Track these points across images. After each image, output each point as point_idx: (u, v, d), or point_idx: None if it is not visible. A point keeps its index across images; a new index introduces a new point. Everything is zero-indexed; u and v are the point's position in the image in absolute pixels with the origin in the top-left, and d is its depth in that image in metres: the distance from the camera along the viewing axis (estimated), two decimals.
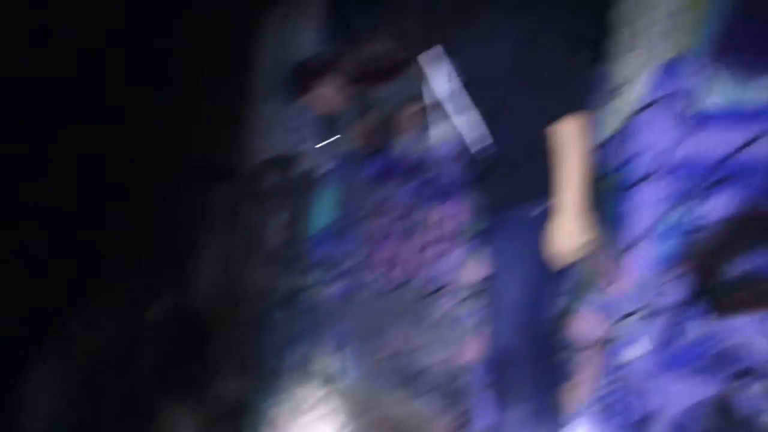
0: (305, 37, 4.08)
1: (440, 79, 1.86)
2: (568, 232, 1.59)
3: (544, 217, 1.65)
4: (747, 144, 1.58)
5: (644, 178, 1.82)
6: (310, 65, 3.24)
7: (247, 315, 4.49)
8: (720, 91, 1.66)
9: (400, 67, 3.00)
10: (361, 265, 3.15)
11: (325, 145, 3.68)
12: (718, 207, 1.64)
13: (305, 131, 3.94)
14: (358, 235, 3.23)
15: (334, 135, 3.56)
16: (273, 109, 4.51)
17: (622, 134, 1.90)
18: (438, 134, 2.74)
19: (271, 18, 4.69)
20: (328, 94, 3.04)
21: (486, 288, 2.31)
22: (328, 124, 3.67)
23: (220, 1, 5.85)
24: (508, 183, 1.75)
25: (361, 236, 3.20)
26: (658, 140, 1.80)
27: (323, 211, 3.62)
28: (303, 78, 3.06)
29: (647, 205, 1.79)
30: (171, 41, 7.05)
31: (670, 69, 1.80)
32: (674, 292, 1.70)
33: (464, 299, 2.44)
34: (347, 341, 3.19)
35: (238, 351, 4.63)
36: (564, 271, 1.67)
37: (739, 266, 1.57)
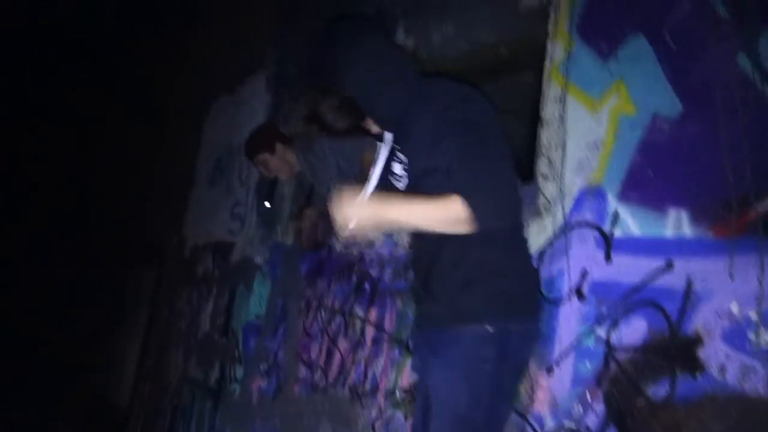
0: (252, 121, 4.14)
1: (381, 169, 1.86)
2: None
3: (474, 342, 1.66)
4: (659, 272, 1.65)
5: (565, 297, 1.87)
6: (259, 132, 3.27)
7: (168, 404, 4.30)
8: (633, 222, 1.75)
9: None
10: (293, 361, 3.07)
11: (264, 234, 3.66)
12: (632, 332, 1.69)
13: (246, 219, 3.92)
14: (290, 329, 3.17)
15: (274, 220, 3.55)
16: (213, 195, 4.51)
17: (547, 253, 1.96)
18: (376, 236, 2.78)
19: (219, 106, 4.77)
20: (275, 160, 3.05)
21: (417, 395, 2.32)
22: (269, 212, 3.67)
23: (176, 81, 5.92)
24: (436, 301, 1.77)
25: (294, 331, 3.13)
26: (577, 262, 1.87)
27: (257, 301, 3.56)
28: (252, 144, 3.07)
29: (568, 325, 1.83)
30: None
31: (587, 197, 1.89)
32: (589, 414, 1.72)
33: (397, 403, 2.40)
34: None
35: None
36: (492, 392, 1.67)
37: (651, 393, 1.60)
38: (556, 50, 2.12)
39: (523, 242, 1.84)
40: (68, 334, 6.93)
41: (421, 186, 1.70)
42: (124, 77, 7.02)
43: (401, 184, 1.79)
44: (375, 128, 1.82)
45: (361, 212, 1.65)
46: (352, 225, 1.66)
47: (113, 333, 5.97)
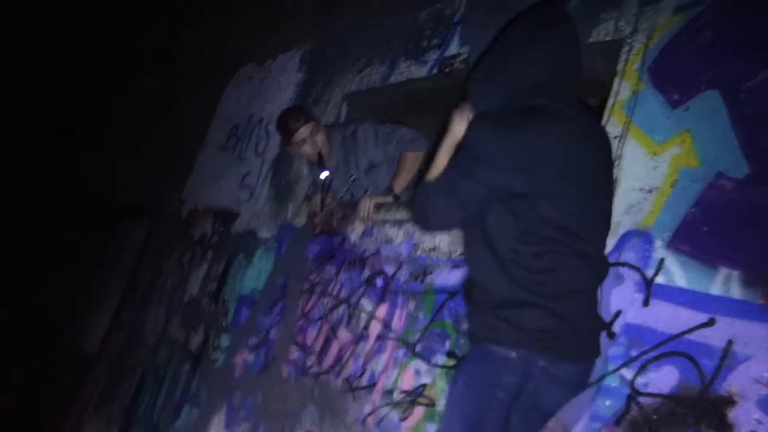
0: (278, 97, 4.08)
1: None
2: None
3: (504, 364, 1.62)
4: (698, 326, 1.64)
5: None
6: (301, 109, 3.22)
7: (141, 359, 4.20)
8: (679, 272, 1.74)
9: None
10: (287, 342, 3.01)
11: (274, 210, 3.60)
12: (660, 380, 1.67)
13: (256, 191, 3.85)
14: (289, 308, 3.11)
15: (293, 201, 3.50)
16: (222, 161, 4.42)
17: None
18: (394, 234, 2.74)
19: (244, 74, 4.67)
20: (320, 135, 3.02)
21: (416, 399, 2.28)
22: (286, 188, 3.61)
23: (195, 49, 5.80)
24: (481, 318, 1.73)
25: (292, 311, 3.07)
26: (613, 301, 1.85)
27: (255, 275, 3.50)
28: (295, 118, 3.01)
29: (601, 358, 1.80)
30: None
31: (633, 238, 1.87)
32: None
33: (394, 404, 2.36)
34: (252, 416, 3.00)
35: (112, 393, 4.30)
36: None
37: None
38: (623, 88, 2.10)
39: (573, 286, 1.66)
40: (43, 277, 6.76)
41: None
42: (150, 27, 6.88)
43: None
44: None
45: None
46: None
47: (93, 279, 5.83)
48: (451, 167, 1.80)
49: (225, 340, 3.47)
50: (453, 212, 1.76)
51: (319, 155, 3.03)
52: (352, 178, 3.10)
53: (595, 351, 1.70)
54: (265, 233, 3.59)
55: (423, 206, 1.85)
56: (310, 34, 4.08)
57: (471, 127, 1.78)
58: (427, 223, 1.90)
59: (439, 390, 2.21)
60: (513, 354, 1.60)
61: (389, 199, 2.80)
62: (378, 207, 2.80)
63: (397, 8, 3.38)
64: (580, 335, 1.66)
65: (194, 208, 4.55)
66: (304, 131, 2.98)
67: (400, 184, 2.83)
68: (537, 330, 1.60)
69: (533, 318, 1.61)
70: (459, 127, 1.90)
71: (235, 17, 5.26)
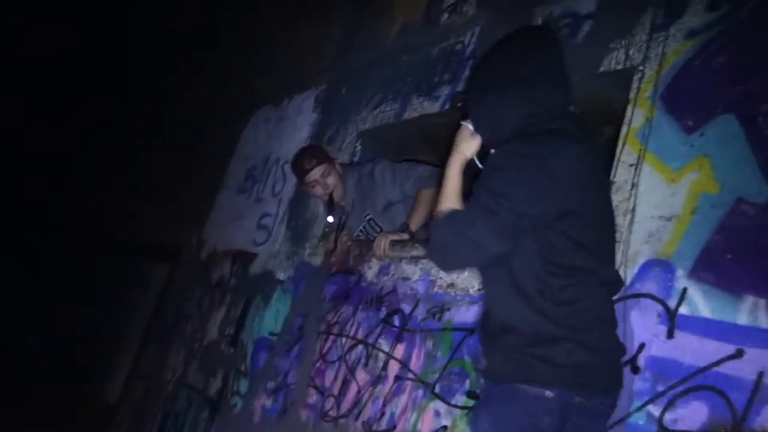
0: (294, 137, 4.12)
1: None
2: None
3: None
4: (726, 358, 1.57)
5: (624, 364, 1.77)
6: (315, 149, 3.25)
7: (161, 406, 4.16)
8: (703, 302, 1.67)
9: None
10: (304, 385, 2.96)
11: (291, 250, 3.59)
12: (690, 416, 1.60)
13: (273, 232, 3.85)
14: (306, 351, 3.07)
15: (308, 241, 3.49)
16: (240, 203, 4.45)
17: None
18: (410, 270, 2.70)
19: (261, 115, 4.74)
20: (332, 177, 3.04)
21: None
22: (302, 228, 3.62)
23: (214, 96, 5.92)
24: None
25: (310, 353, 3.03)
26: (636, 334, 1.79)
27: (273, 317, 3.47)
28: (309, 158, 3.05)
29: (625, 393, 1.73)
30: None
31: (653, 268, 1.82)
32: None
33: None
34: None
35: None
36: None
37: None
38: (636, 116, 2.07)
39: (599, 314, 1.62)
40: (66, 316, 6.83)
41: None
42: (173, 72, 7.06)
43: None
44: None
45: None
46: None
47: (113, 322, 5.85)
48: (477, 198, 1.60)
49: (243, 385, 3.43)
50: (484, 247, 1.57)
51: (330, 198, 3.05)
52: (367, 217, 3.09)
53: (622, 380, 1.66)
54: (282, 274, 3.58)
55: (442, 244, 1.65)
56: (326, 73, 4.13)
57: (503, 151, 1.63)
58: (449, 262, 1.71)
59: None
60: (548, 393, 1.51)
61: (405, 236, 2.77)
62: (393, 244, 2.78)
63: (409, 46, 3.41)
64: (610, 366, 1.62)
65: (213, 250, 4.56)
66: (315, 173, 3.01)
67: (416, 221, 2.81)
68: (571, 366, 1.52)
69: (566, 353, 1.52)
70: (468, 146, 1.84)
71: (253, 59, 5.37)
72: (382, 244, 2.75)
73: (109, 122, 8.73)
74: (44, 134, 9.93)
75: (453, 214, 1.67)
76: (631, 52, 2.20)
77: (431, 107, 3.04)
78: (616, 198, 1.99)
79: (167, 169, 6.28)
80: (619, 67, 2.23)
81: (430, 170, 2.91)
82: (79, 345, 6.26)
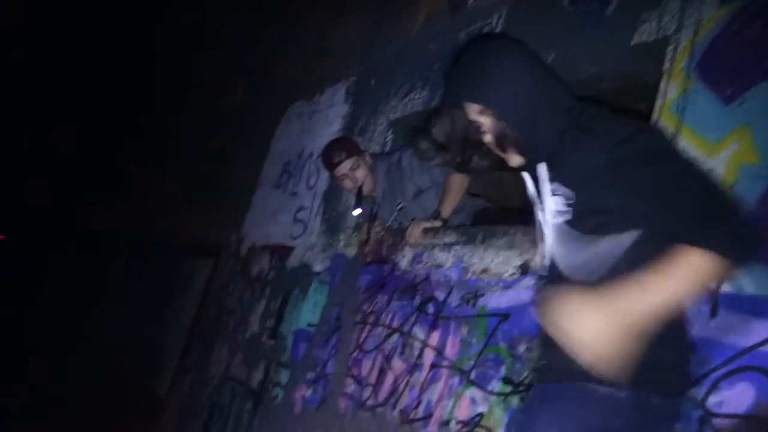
0: (326, 130, 4.12)
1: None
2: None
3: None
4: None
5: None
6: (344, 141, 3.25)
7: (207, 399, 4.23)
8: (747, 279, 1.58)
9: None
10: (342, 375, 2.96)
11: (326, 243, 3.59)
12: (736, 398, 1.52)
13: (309, 225, 3.87)
14: (343, 341, 3.07)
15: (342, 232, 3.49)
16: (276, 198, 4.48)
17: None
18: (443, 258, 2.67)
19: (294, 110, 4.76)
20: (362, 169, 3.03)
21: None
22: (336, 219, 3.62)
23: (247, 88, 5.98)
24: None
25: (347, 344, 3.03)
26: None
27: (311, 309, 3.48)
28: (338, 151, 3.05)
29: None
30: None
31: None
32: None
33: None
34: None
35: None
36: None
37: None
38: (671, 89, 1.98)
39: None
40: (116, 315, 7.02)
41: (585, 226, 1.41)
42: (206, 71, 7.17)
43: (559, 220, 1.46)
44: (515, 159, 1.53)
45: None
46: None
47: (161, 319, 5.98)
48: (687, 186, 1.27)
49: (284, 376, 3.46)
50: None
51: (358, 191, 3.04)
52: (399, 206, 3.06)
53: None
54: (318, 266, 3.59)
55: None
56: (356, 65, 4.11)
57: (641, 132, 1.35)
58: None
59: (497, 419, 2.10)
60: (621, 394, 1.35)
61: (437, 223, 2.74)
62: (425, 231, 2.74)
63: (435, 34, 3.37)
64: (686, 367, 1.44)
65: (252, 245, 4.61)
66: (343, 167, 3.01)
67: (447, 208, 2.77)
68: (651, 365, 1.32)
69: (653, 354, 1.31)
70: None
71: (285, 56, 5.40)
72: (414, 231, 2.72)
73: (147, 127, 8.92)
74: (87, 137, 10.23)
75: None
76: (663, 22, 2.11)
77: None
78: None
79: (206, 170, 6.37)
80: (652, 38, 2.14)
81: None
82: (127, 346, 6.41)
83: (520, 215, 3.23)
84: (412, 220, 2.97)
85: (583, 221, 1.40)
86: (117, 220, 8.50)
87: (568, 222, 1.43)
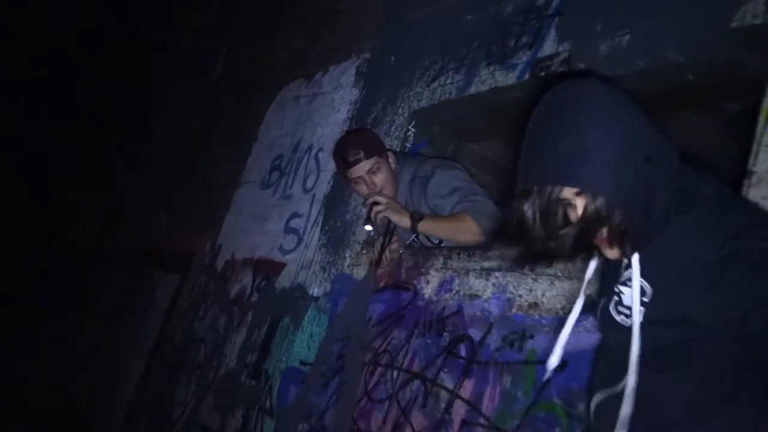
0: (330, 119, 4.09)
1: None
2: None
3: None
4: None
5: None
6: (365, 135, 3.21)
7: None
8: None
9: None
10: (345, 429, 2.92)
11: (328, 260, 3.56)
12: None
13: (305, 237, 3.84)
14: (347, 386, 3.03)
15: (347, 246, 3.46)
16: (264, 200, 4.45)
17: None
18: (480, 286, 2.63)
19: (289, 93, 4.73)
20: (383, 173, 3.00)
21: None
22: (342, 231, 3.59)
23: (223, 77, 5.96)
24: None
25: (352, 389, 2.99)
26: None
27: (305, 343, 3.44)
28: (356, 146, 2.99)
29: None
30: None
31: None
32: None
33: None
34: None
35: None
36: None
37: None
38: None
39: None
40: (56, 337, 6.98)
41: (667, 341, 1.35)
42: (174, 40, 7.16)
43: (623, 319, 1.44)
44: (614, 252, 1.41)
45: None
46: None
47: (111, 345, 5.94)
48: None
49: (268, 427, 3.42)
50: None
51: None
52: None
53: None
54: (316, 289, 3.56)
55: None
56: (371, 36, 4.08)
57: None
58: None
59: None
60: None
61: (405, 218, 2.79)
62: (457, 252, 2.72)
63: (474, 2, 3.34)
64: None
65: (231, 258, 4.58)
66: (359, 168, 2.95)
67: (429, 227, 2.82)
68: None
69: None
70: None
71: (276, 23, 5.37)
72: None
73: (105, 111, 8.91)
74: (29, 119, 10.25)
75: None
76: None
77: (505, 78, 2.97)
78: (759, 192, 1.86)
79: (175, 163, 6.35)
80: (758, 21, 2.11)
81: (491, 208, 2.81)
82: (71, 371, 6.37)
83: None
84: (438, 243, 2.96)
85: (653, 331, 1.35)
86: (62, 220, 8.46)
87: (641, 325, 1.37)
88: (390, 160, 3.05)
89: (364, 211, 3.22)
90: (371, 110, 3.78)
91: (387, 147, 3.19)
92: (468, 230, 2.76)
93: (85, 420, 5.74)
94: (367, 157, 2.95)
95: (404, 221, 2.78)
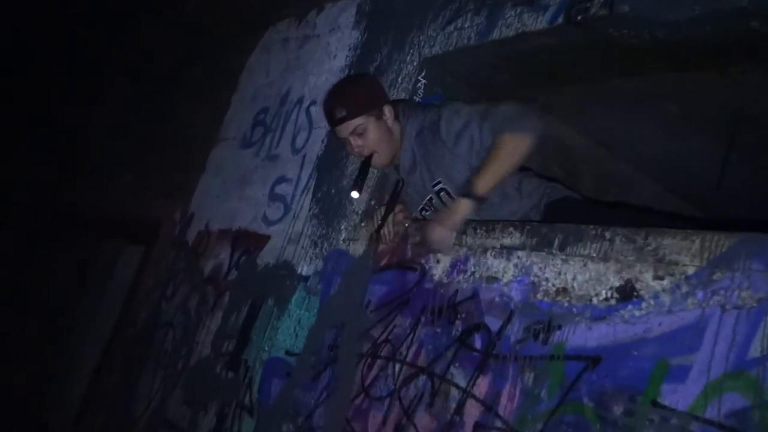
0: (324, 66, 4.08)
1: None
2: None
3: None
4: None
5: None
6: (358, 83, 3.26)
7: None
8: None
9: None
10: (338, 430, 2.94)
11: (320, 232, 3.57)
12: None
13: (294, 205, 3.84)
14: (341, 380, 3.05)
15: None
16: (244, 161, 4.45)
17: None
18: (499, 267, 2.62)
19: (276, 35, 4.71)
20: (376, 130, 3.01)
21: None
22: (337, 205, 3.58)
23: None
24: None
25: (346, 384, 3.00)
26: None
27: (291, 329, 3.45)
28: (345, 99, 3.03)
29: None
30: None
31: None
32: None
33: None
34: None
35: None
36: None
37: None
38: None
39: None
40: (2, 319, 7.01)
41: None
42: None
43: None
44: None
45: None
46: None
47: (65, 325, 5.97)
48: None
49: (248, 426, 3.45)
50: None
51: (363, 164, 3.05)
52: (437, 187, 3.01)
53: None
54: (305, 267, 3.58)
55: None
56: None
57: None
58: None
59: None
60: None
61: (467, 208, 2.70)
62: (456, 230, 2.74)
63: None
64: None
65: (205, 229, 4.60)
66: (343, 129, 2.99)
67: (485, 181, 2.70)
68: None
69: None
70: None
71: None
72: (437, 233, 2.75)
73: (62, 51, 8.85)
74: None
75: None
76: None
77: (535, 22, 2.95)
78: None
79: (140, 115, 6.33)
80: None
81: (517, 108, 2.77)
82: (17, 358, 6.40)
83: (619, 210, 3.22)
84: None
85: None
86: (9, 179, 8.44)
87: None
88: (386, 116, 3.03)
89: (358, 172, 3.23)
90: (374, 57, 3.77)
91: (389, 98, 3.18)
92: (517, 148, 2.70)
93: (34, 415, 5.78)
94: (351, 116, 2.96)
95: (465, 209, 2.71)
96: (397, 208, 3.11)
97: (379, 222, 3.12)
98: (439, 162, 2.97)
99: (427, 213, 3.09)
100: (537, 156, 3.73)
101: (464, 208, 2.71)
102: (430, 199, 3.04)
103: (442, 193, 3.00)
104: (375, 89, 3.18)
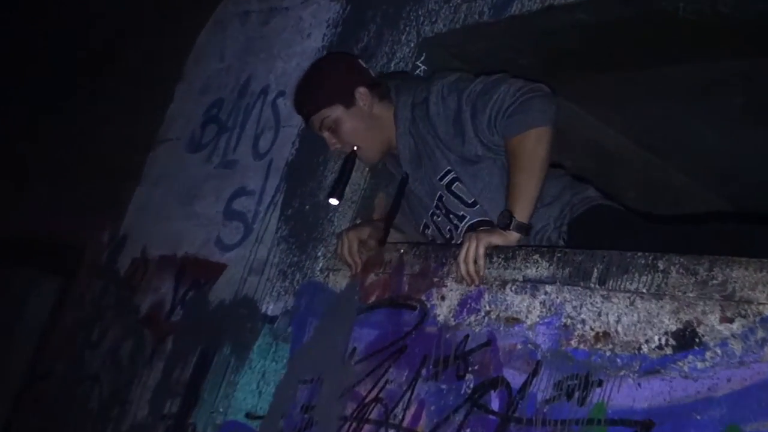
0: (296, 47, 4.11)
1: None
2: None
3: None
4: None
5: None
6: (332, 65, 3.34)
7: None
8: None
9: None
10: None
11: (290, 259, 3.58)
12: None
13: (257, 223, 3.85)
14: None
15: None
16: (193, 169, 4.46)
17: None
18: (521, 305, 2.63)
19: (232, 10, 4.73)
20: (354, 120, 3.10)
21: None
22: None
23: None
24: None
25: None
26: None
27: (253, 385, 3.46)
28: (315, 85, 3.16)
29: None
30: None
31: None
32: None
33: None
34: None
35: None
36: None
37: None
38: None
39: None
40: None
41: None
42: None
43: None
44: None
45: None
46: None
47: None
48: None
49: None
50: None
51: (345, 162, 3.14)
52: (446, 178, 3.02)
53: None
54: (272, 305, 3.59)
55: None
56: None
57: None
58: None
59: None
60: None
61: (514, 236, 2.69)
62: (491, 252, 2.71)
63: None
64: None
65: (141, 254, 4.59)
66: (313, 123, 3.10)
67: (522, 205, 2.71)
68: None
69: None
70: None
71: None
72: (472, 252, 2.68)
73: None
74: None
75: None
76: None
77: None
78: None
79: (59, 101, 6.33)
80: None
81: (515, 91, 2.76)
82: None
83: (674, 227, 3.23)
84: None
85: None
86: None
87: None
88: (360, 102, 3.09)
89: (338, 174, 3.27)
90: (359, 36, 3.81)
91: (369, 77, 3.22)
92: (535, 152, 2.72)
93: None
94: (316, 108, 3.07)
95: (510, 236, 2.70)
96: (366, 231, 3.15)
97: (373, 246, 3.14)
98: (438, 155, 3.00)
99: (439, 219, 3.10)
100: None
101: (514, 239, 2.72)
102: (440, 197, 3.04)
103: (454, 186, 3.00)
104: (346, 71, 3.23)
